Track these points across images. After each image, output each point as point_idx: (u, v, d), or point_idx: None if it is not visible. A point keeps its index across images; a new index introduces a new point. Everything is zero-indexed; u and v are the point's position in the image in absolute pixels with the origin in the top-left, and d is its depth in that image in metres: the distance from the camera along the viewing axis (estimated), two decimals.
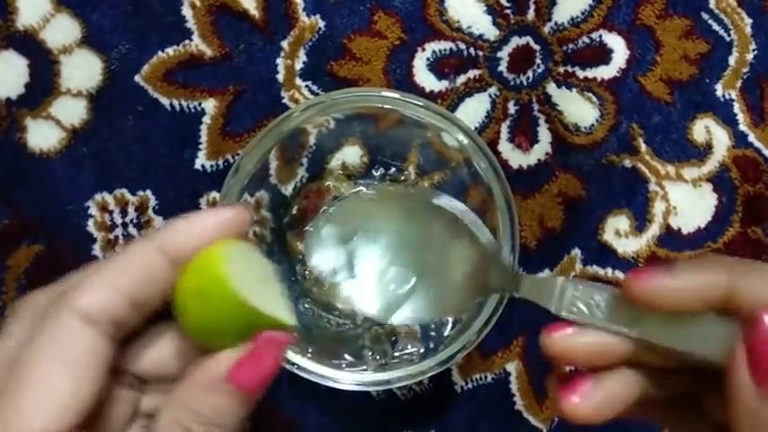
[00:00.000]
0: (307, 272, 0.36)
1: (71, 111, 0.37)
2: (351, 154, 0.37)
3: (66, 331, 0.23)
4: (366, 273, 0.31)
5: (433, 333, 0.35)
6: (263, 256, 0.25)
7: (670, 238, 0.39)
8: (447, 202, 0.30)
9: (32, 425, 0.22)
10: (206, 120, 0.37)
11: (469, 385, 0.38)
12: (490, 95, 0.38)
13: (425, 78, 0.38)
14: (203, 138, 0.37)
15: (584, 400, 0.26)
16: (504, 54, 0.38)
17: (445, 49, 0.38)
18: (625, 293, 0.25)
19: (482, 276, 0.29)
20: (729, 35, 0.39)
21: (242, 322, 0.23)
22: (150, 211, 0.37)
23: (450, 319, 0.35)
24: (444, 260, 0.30)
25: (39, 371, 0.22)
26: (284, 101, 0.38)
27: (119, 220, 0.37)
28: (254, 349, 0.23)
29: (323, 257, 0.32)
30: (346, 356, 0.34)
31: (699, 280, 0.25)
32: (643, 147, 0.39)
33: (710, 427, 0.28)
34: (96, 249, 0.37)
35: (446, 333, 0.34)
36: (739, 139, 0.39)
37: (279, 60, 0.38)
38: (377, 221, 0.31)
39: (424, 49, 0.38)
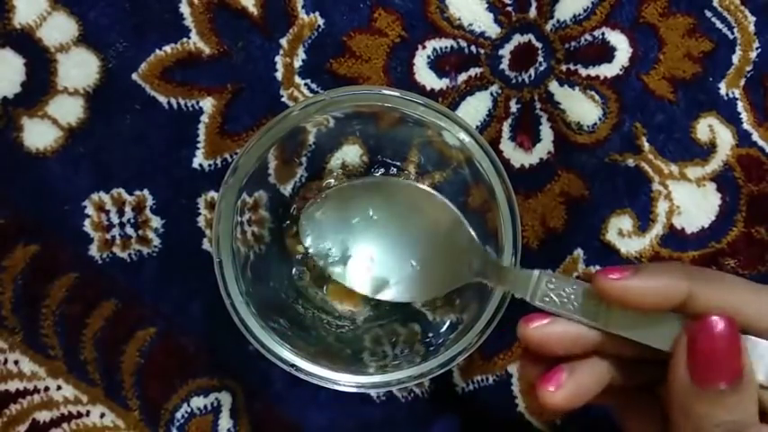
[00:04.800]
0: (304, 272, 0.36)
1: (68, 109, 0.37)
2: (350, 153, 0.37)
3: None
4: (360, 255, 0.32)
5: (432, 334, 0.35)
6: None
7: (673, 237, 0.38)
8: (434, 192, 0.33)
9: None
10: (204, 118, 0.37)
11: (471, 387, 0.38)
12: (491, 94, 0.38)
13: (426, 76, 0.38)
14: (201, 137, 0.37)
15: (559, 390, 0.28)
16: (505, 52, 0.38)
17: (446, 47, 0.38)
18: (594, 289, 0.28)
19: (465, 263, 0.31)
20: (733, 33, 0.38)
21: None
22: (147, 211, 0.37)
23: (448, 321, 0.35)
24: (433, 245, 0.32)
25: None
26: (283, 99, 0.37)
27: (116, 220, 0.37)
28: None
29: (317, 239, 0.33)
30: (346, 358, 0.34)
31: (661, 283, 0.27)
32: (646, 146, 0.38)
33: (662, 416, 0.30)
34: (93, 249, 0.37)
35: (447, 335, 0.34)
36: (743, 137, 0.38)
37: (278, 58, 0.37)
38: (372, 207, 0.33)
39: (424, 47, 0.38)
